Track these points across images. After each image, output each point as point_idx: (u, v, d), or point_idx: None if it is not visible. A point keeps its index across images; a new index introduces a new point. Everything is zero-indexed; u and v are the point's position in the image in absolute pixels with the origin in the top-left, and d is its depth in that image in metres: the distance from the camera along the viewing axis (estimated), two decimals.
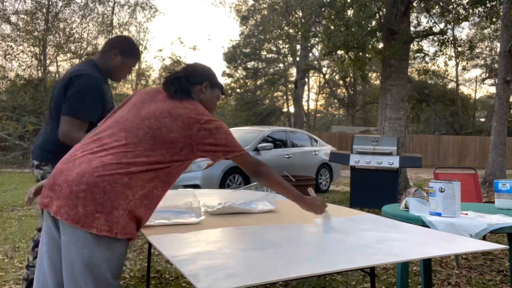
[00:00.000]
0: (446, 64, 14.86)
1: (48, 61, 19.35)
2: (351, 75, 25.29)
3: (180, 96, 1.78)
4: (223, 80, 26.25)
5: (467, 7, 9.29)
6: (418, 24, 12.71)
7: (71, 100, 2.34)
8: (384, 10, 9.45)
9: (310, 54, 25.54)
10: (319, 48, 25.56)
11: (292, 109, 26.36)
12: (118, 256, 1.57)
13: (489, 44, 26.96)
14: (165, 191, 1.71)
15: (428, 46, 25.14)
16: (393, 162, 6.43)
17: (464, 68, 26.79)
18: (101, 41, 20.30)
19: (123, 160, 1.59)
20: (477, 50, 25.56)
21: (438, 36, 9.74)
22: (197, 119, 1.70)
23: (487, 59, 28.08)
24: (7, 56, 17.86)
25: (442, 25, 10.29)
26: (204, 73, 1.92)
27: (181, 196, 2.20)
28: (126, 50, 2.54)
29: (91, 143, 1.68)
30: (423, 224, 2.31)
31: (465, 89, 36.55)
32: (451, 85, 28.71)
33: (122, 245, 1.57)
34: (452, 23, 10.15)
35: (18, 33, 18.25)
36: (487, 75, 28.52)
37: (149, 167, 1.61)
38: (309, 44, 21.27)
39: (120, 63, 2.54)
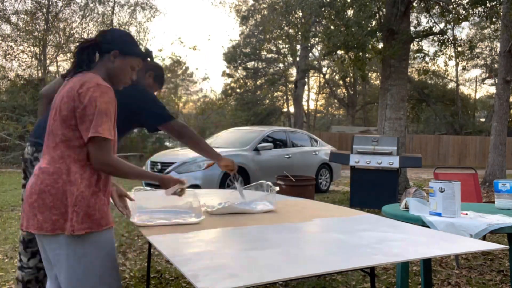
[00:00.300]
0: (446, 64, 14.89)
1: (48, 61, 19.35)
2: (351, 75, 25.29)
3: (78, 71, 1.74)
4: (223, 80, 26.23)
5: (467, 7, 9.29)
6: (418, 24, 12.71)
7: None
8: (384, 10, 9.45)
9: (310, 54, 25.55)
10: (319, 48, 25.57)
11: (292, 109, 26.37)
12: (97, 251, 1.64)
13: (489, 44, 26.96)
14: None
15: (428, 46, 25.18)
16: (393, 162, 6.43)
17: (464, 68, 26.80)
18: None
19: (52, 159, 1.66)
20: (477, 50, 25.55)
21: (438, 36, 9.74)
22: (78, 88, 1.65)
23: (487, 59, 28.08)
24: (7, 56, 17.86)
25: (442, 25, 10.30)
26: (114, 39, 1.80)
27: (182, 196, 2.19)
28: (158, 77, 2.75)
29: (40, 158, 1.82)
30: (423, 224, 2.31)
31: (465, 89, 36.57)
32: (451, 85, 28.72)
33: (98, 237, 1.64)
34: (452, 23, 10.15)
35: (18, 33, 18.24)
36: (487, 75, 28.51)
37: (73, 155, 1.65)
38: (309, 44, 21.26)
39: (150, 86, 2.73)
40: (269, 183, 2.53)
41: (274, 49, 25.43)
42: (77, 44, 1.81)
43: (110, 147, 1.66)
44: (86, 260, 1.61)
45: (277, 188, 2.43)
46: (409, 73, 14.95)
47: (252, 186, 2.70)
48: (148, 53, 1.90)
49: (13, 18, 18.25)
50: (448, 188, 2.37)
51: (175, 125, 2.54)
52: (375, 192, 6.48)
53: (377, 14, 9.40)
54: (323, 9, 9.42)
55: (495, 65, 23.63)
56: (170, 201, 2.30)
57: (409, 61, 10.23)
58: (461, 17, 9.17)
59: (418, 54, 10.29)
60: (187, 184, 1.97)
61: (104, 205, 1.68)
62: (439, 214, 2.38)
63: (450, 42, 9.88)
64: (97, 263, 1.63)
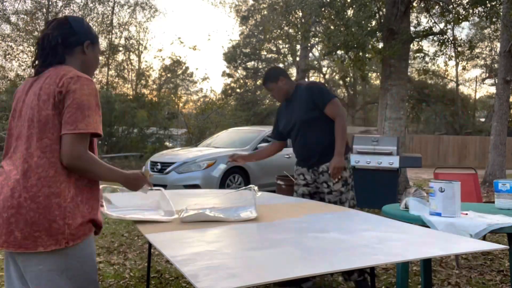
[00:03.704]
0: (446, 64, 14.91)
1: None
2: (351, 75, 25.26)
3: (48, 67, 1.60)
4: (223, 80, 26.27)
5: (467, 7, 9.29)
6: (418, 24, 12.70)
7: None
8: (384, 10, 9.45)
9: (310, 54, 25.53)
10: (319, 48, 25.54)
11: None
12: (81, 260, 1.52)
13: (489, 44, 26.94)
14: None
15: (428, 46, 25.10)
16: (393, 162, 6.42)
17: (464, 68, 26.73)
18: (101, 41, 20.29)
19: (28, 170, 1.48)
20: (477, 50, 25.52)
21: (438, 36, 9.74)
22: (57, 83, 1.51)
23: (487, 59, 28.06)
24: (7, 56, 17.85)
25: (442, 25, 10.29)
26: (82, 30, 1.68)
27: (148, 195, 2.18)
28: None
29: (5, 165, 1.58)
30: (423, 224, 2.31)
31: (465, 89, 36.54)
32: (451, 85, 28.71)
33: (82, 248, 1.52)
34: (452, 23, 10.14)
35: (18, 33, 18.24)
36: (487, 75, 28.50)
37: (54, 164, 1.49)
38: (309, 44, 21.25)
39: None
40: (255, 187, 2.35)
41: (274, 49, 25.42)
42: (39, 40, 1.65)
43: (87, 142, 1.52)
44: (69, 274, 1.49)
45: (259, 193, 2.31)
46: (409, 73, 14.96)
47: (241, 189, 2.56)
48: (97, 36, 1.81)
49: (13, 18, 18.26)
50: (448, 188, 2.37)
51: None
52: (375, 192, 6.47)
53: (377, 14, 9.40)
54: (323, 9, 9.41)
55: (495, 65, 23.62)
56: (136, 200, 2.32)
57: (409, 61, 10.22)
58: (461, 17, 9.16)
59: (418, 54, 10.29)
60: (149, 177, 1.93)
61: (95, 211, 1.58)
62: (439, 214, 2.37)
63: (450, 42, 9.88)
64: (84, 276, 1.52)
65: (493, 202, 2.92)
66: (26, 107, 1.57)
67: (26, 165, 1.48)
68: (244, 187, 2.51)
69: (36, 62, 1.65)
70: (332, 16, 9.36)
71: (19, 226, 1.44)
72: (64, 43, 1.64)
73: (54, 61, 1.62)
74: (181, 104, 22.08)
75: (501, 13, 9.96)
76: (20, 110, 1.60)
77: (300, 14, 12.85)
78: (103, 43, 20.01)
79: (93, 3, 19.09)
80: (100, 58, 1.78)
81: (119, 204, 2.22)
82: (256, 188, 2.35)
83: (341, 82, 30.43)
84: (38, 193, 1.46)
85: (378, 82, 26.71)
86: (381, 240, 1.65)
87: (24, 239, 1.44)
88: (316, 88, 3.05)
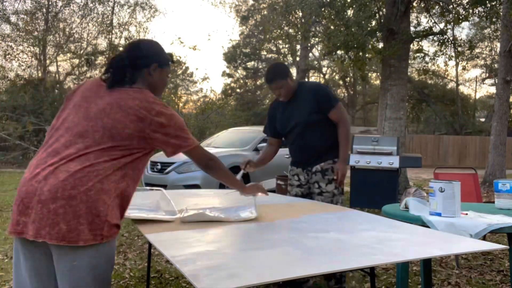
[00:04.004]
0: (446, 64, 14.91)
1: (48, 61, 19.34)
2: (351, 75, 25.25)
3: (124, 84, 1.70)
4: (223, 80, 26.28)
5: (467, 7, 9.28)
6: (418, 24, 12.71)
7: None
8: (384, 10, 9.45)
9: (310, 54, 25.53)
10: (319, 48, 25.54)
11: None
12: (106, 259, 1.58)
13: (489, 44, 26.92)
14: (134, 188, 1.70)
15: (428, 46, 25.12)
16: (393, 162, 6.42)
17: (464, 68, 26.74)
18: (101, 41, 20.30)
19: (88, 166, 1.54)
20: (477, 50, 25.50)
21: (438, 36, 9.74)
22: (148, 111, 1.64)
23: (487, 59, 28.05)
24: (7, 56, 17.83)
25: (442, 25, 10.29)
26: (150, 53, 1.79)
27: (148, 195, 2.20)
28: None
29: (47, 157, 1.60)
30: (423, 224, 2.31)
31: (465, 89, 36.47)
32: (451, 85, 28.69)
33: (109, 247, 1.58)
34: (452, 23, 10.14)
35: (18, 33, 18.22)
36: (487, 75, 28.49)
37: (115, 166, 1.59)
38: (309, 44, 21.25)
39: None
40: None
41: (274, 49, 25.43)
42: (111, 60, 1.78)
43: (203, 148, 1.86)
44: (96, 272, 1.53)
45: (259, 194, 2.32)
46: (409, 73, 14.96)
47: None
48: (172, 57, 1.94)
49: (13, 18, 18.25)
50: (448, 188, 2.37)
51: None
52: (375, 192, 6.46)
53: (377, 14, 9.40)
54: (323, 9, 9.41)
55: (495, 65, 23.61)
56: (136, 199, 2.32)
57: (409, 61, 10.22)
58: (461, 17, 9.16)
59: (418, 54, 10.28)
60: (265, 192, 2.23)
61: (120, 219, 1.65)
62: (439, 214, 2.37)
63: (450, 42, 9.88)
64: (105, 275, 1.57)
65: (493, 202, 2.92)
66: (101, 113, 1.63)
67: (88, 162, 1.55)
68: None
69: (105, 75, 1.75)
70: (332, 16, 9.36)
71: (67, 218, 1.46)
72: (132, 64, 1.75)
73: (125, 80, 1.72)
74: (181, 104, 22.06)
75: (501, 13, 9.96)
76: (87, 110, 1.66)
77: (300, 14, 12.84)
78: (103, 43, 20.02)
79: (93, 3, 19.07)
80: (167, 80, 1.92)
81: None
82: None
83: (341, 82, 30.42)
84: (92, 187, 1.51)
85: (378, 82, 26.70)
86: (381, 240, 1.65)
87: (68, 232, 1.46)
88: (323, 92, 2.99)
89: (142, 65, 1.76)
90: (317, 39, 16.93)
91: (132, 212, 2.05)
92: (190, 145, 1.75)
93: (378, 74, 25.90)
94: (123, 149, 1.62)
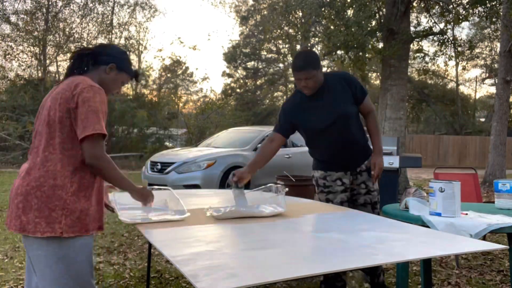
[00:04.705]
0: (446, 64, 14.89)
1: (48, 61, 19.32)
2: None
3: (77, 73, 1.81)
4: (223, 80, 26.27)
5: (467, 7, 9.28)
6: (418, 24, 12.72)
7: None
8: (384, 10, 9.45)
9: None
10: (319, 48, 25.52)
11: None
12: (77, 251, 1.66)
13: (489, 44, 26.92)
14: (94, 175, 1.74)
15: (428, 46, 25.13)
16: (393, 162, 6.41)
17: (464, 68, 26.75)
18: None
19: (40, 161, 1.67)
20: (477, 50, 25.51)
21: (438, 36, 9.73)
22: (72, 90, 1.69)
23: (487, 59, 28.06)
24: (7, 56, 17.83)
25: (442, 25, 10.28)
26: (114, 54, 1.90)
27: (155, 194, 2.19)
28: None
29: (28, 160, 1.77)
30: (423, 224, 2.31)
31: (465, 89, 36.49)
32: (451, 85, 28.69)
33: (78, 241, 1.67)
34: (452, 23, 10.14)
35: (18, 33, 18.22)
36: (487, 75, 28.49)
37: (61, 160, 1.66)
38: (309, 44, 21.25)
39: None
40: (278, 185, 2.34)
41: (274, 49, 25.42)
42: (76, 50, 1.87)
43: (103, 144, 1.70)
44: (65, 262, 1.64)
45: (286, 189, 2.27)
46: (409, 73, 14.95)
47: (261, 188, 2.58)
48: (138, 74, 2.00)
49: (13, 18, 18.24)
50: (448, 188, 2.37)
51: None
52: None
53: (377, 14, 9.40)
54: (323, 9, 9.41)
55: (495, 65, 23.61)
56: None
57: (409, 61, 10.22)
58: (461, 17, 9.16)
59: (418, 54, 10.28)
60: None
61: (95, 211, 1.72)
62: (439, 214, 2.37)
63: (450, 42, 9.87)
64: (74, 267, 1.66)
65: (493, 202, 2.92)
66: (45, 109, 1.76)
67: (38, 158, 1.68)
68: (265, 186, 2.47)
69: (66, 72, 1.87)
70: (332, 16, 9.35)
71: (25, 211, 1.63)
72: (94, 57, 1.85)
73: (78, 69, 1.82)
74: (181, 104, 22.10)
75: (501, 13, 9.96)
76: (40, 112, 1.81)
77: (300, 14, 12.85)
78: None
79: (93, 3, 19.07)
80: (120, 86, 1.97)
81: (127, 202, 2.22)
82: (279, 186, 2.30)
83: None
84: (44, 183, 1.64)
85: (378, 82, 26.71)
86: (381, 240, 1.65)
87: (27, 224, 1.63)
88: (355, 80, 2.73)
89: (102, 61, 1.86)
90: (317, 39, 16.95)
91: (141, 216, 2.02)
92: (93, 130, 1.64)
93: (378, 74, 25.90)
94: (61, 136, 1.67)
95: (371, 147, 2.78)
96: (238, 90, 26.91)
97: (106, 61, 1.87)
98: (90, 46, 1.97)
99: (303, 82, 2.60)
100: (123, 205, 2.19)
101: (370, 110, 2.76)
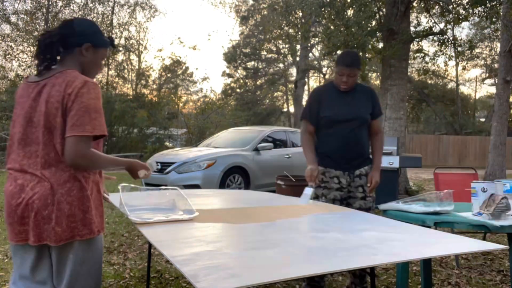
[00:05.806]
0: (446, 64, 14.89)
1: None
2: None
3: (52, 68, 1.65)
4: (223, 80, 26.29)
5: (467, 7, 9.28)
6: (418, 24, 12.68)
7: None
8: (384, 10, 9.45)
9: (310, 54, 25.53)
10: (319, 48, 25.55)
11: (292, 109, 26.36)
12: (99, 252, 1.70)
13: (489, 44, 26.94)
14: (97, 172, 1.74)
15: (428, 46, 25.14)
16: (393, 162, 6.42)
17: (464, 68, 26.77)
18: None
19: (58, 170, 1.60)
20: (477, 50, 25.52)
21: (438, 36, 9.73)
22: (63, 90, 1.57)
23: (487, 59, 28.07)
24: (7, 56, 17.84)
25: (442, 25, 10.28)
26: (84, 31, 1.69)
27: (163, 194, 2.19)
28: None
29: (17, 168, 1.63)
30: (423, 224, 2.31)
31: (465, 89, 36.58)
32: (451, 85, 28.70)
33: (99, 240, 1.70)
34: (452, 23, 10.14)
35: (18, 33, 18.23)
36: (487, 75, 28.50)
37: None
38: (309, 44, 21.26)
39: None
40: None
41: (274, 49, 25.43)
42: (40, 38, 1.67)
43: (91, 143, 1.60)
44: (87, 265, 1.65)
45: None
46: (409, 73, 14.95)
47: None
48: (112, 41, 1.82)
49: (13, 18, 18.25)
50: (490, 188, 2.41)
51: None
52: (375, 192, 6.46)
53: (377, 14, 9.40)
54: (323, 9, 9.41)
55: (495, 65, 23.61)
56: (152, 199, 2.32)
57: (409, 61, 10.22)
58: (461, 17, 9.16)
59: (418, 54, 10.28)
60: (151, 171, 1.95)
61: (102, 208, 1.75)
62: (480, 215, 2.40)
63: (450, 42, 9.87)
64: (95, 268, 1.67)
65: None
66: (39, 114, 1.61)
67: (53, 168, 1.59)
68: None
69: (36, 62, 1.68)
70: (332, 16, 9.35)
71: (59, 220, 1.56)
72: (62, 42, 1.67)
73: (52, 59, 1.65)
74: (181, 104, 22.07)
75: (501, 13, 9.96)
76: (30, 117, 1.64)
77: (300, 14, 12.85)
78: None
79: (93, 3, 19.09)
80: (102, 62, 1.81)
81: (135, 203, 2.23)
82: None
83: None
84: (72, 187, 1.59)
85: (378, 82, 26.71)
86: (381, 240, 1.65)
87: (63, 232, 1.56)
88: (376, 97, 3.02)
89: (73, 43, 1.67)
90: (317, 39, 16.94)
91: (150, 216, 2.00)
92: (83, 131, 1.55)
93: (378, 74, 25.91)
94: (61, 141, 1.59)
95: (370, 156, 3.02)
96: (238, 90, 26.93)
97: (79, 42, 1.68)
98: (51, 28, 1.72)
99: (345, 77, 2.83)
100: (132, 206, 2.19)
101: (379, 131, 3.03)
